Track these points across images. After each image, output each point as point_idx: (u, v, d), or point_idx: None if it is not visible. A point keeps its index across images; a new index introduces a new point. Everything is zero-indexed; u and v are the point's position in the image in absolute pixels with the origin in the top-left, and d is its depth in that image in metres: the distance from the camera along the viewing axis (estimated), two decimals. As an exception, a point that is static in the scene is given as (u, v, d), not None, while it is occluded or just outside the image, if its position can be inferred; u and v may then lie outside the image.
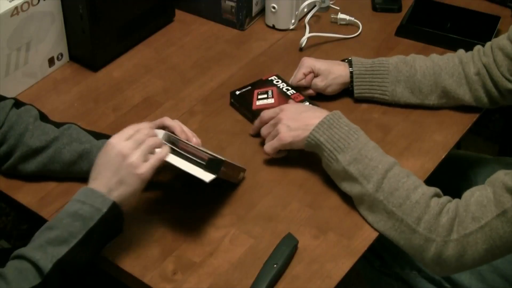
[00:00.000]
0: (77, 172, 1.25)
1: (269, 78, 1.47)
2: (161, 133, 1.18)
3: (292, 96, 1.42)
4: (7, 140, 1.23)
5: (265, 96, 1.42)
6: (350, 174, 1.19)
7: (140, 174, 1.09)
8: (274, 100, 1.41)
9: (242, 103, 1.42)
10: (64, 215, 1.05)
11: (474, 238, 1.09)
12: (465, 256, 1.11)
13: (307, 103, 1.40)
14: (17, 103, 1.27)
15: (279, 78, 1.47)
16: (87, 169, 1.22)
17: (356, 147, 1.20)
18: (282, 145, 1.28)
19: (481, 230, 1.09)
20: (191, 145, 1.17)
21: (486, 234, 1.09)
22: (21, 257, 1.02)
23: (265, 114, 1.33)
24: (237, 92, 1.43)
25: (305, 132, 1.24)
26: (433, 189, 1.17)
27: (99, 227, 1.06)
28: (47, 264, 1.00)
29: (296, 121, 1.26)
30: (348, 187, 1.21)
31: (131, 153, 1.09)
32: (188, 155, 1.16)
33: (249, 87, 1.44)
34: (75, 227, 1.04)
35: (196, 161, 1.15)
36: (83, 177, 1.25)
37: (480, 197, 1.10)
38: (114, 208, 1.07)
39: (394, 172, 1.18)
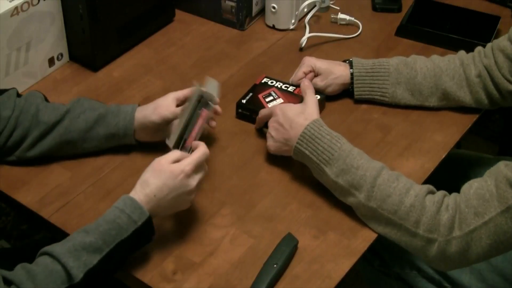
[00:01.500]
0: (92, 138, 1.28)
1: (262, 81, 1.46)
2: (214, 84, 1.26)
3: (296, 91, 1.42)
4: (20, 123, 1.26)
5: (271, 98, 1.41)
6: (340, 186, 1.19)
7: (191, 201, 1.15)
8: (284, 100, 1.40)
9: (253, 110, 1.40)
10: (102, 222, 1.07)
11: (478, 234, 1.09)
12: (469, 252, 1.11)
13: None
14: (18, 93, 1.30)
15: (270, 78, 1.47)
16: (103, 133, 1.28)
17: (340, 157, 1.19)
18: (272, 152, 1.30)
19: (485, 226, 1.08)
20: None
21: (490, 230, 1.08)
22: (54, 257, 1.02)
23: (261, 113, 1.35)
24: (243, 101, 1.41)
25: (285, 146, 1.27)
26: (425, 187, 1.16)
27: (131, 239, 1.07)
28: (78, 274, 1.01)
29: (278, 133, 1.28)
30: (341, 197, 1.22)
31: (195, 188, 1.14)
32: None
33: (250, 94, 1.43)
34: (109, 236, 1.05)
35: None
36: (90, 152, 1.31)
37: (480, 190, 1.10)
38: (149, 222, 1.09)
39: (383, 178, 1.17)
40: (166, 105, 1.28)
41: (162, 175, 1.11)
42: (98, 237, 1.04)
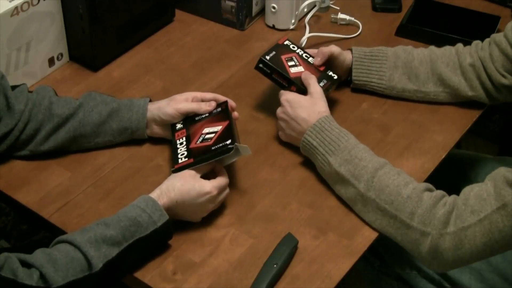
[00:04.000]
0: (105, 132, 1.30)
1: (285, 43, 1.46)
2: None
3: (314, 65, 1.42)
4: (34, 116, 1.27)
5: (293, 63, 1.40)
6: (342, 176, 1.20)
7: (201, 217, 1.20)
8: (304, 69, 1.40)
9: (274, 70, 1.37)
10: (123, 217, 1.09)
11: (472, 232, 1.09)
12: (462, 250, 1.11)
13: (330, 73, 1.42)
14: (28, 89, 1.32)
15: (291, 42, 1.47)
16: (116, 126, 1.30)
17: (346, 149, 1.22)
18: (284, 140, 1.35)
19: (480, 223, 1.09)
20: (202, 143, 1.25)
21: (485, 227, 1.09)
22: (75, 245, 1.04)
23: (279, 96, 1.35)
24: (267, 57, 1.39)
25: (295, 139, 1.30)
26: (424, 184, 1.18)
27: (149, 238, 1.10)
28: (98, 264, 1.04)
29: (289, 125, 1.31)
30: (342, 189, 1.22)
31: (210, 210, 1.20)
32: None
33: (274, 52, 1.41)
34: (129, 232, 1.08)
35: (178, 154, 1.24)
36: (96, 148, 1.33)
37: (480, 191, 1.11)
38: (168, 224, 1.12)
39: (384, 170, 1.19)
40: (182, 99, 1.31)
41: (189, 187, 1.15)
42: (118, 232, 1.07)
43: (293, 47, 1.45)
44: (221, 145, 1.21)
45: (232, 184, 1.25)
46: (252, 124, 1.41)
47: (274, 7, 1.66)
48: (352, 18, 1.70)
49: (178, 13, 1.73)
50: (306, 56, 1.44)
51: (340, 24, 1.71)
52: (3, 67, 1.40)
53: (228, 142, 1.21)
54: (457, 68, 1.40)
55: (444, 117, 1.43)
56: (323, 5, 1.71)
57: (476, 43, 1.43)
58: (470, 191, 1.12)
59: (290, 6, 1.66)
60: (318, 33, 1.65)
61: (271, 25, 1.70)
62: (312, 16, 1.69)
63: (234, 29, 1.70)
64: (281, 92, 1.36)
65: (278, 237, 1.17)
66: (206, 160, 1.20)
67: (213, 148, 1.22)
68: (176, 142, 1.27)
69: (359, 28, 1.69)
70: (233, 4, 1.66)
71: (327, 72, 1.42)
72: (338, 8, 1.72)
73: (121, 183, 1.28)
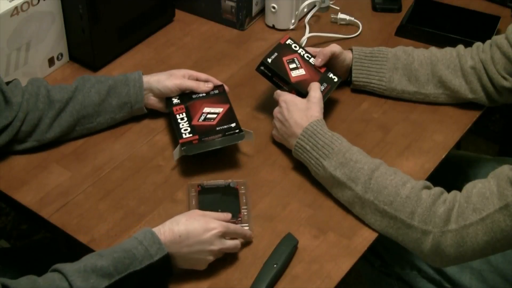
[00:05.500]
0: (106, 110, 1.34)
1: (287, 42, 1.45)
2: None
3: (315, 66, 1.42)
4: (34, 106, 1.28)
5: (295, 66, 1.40)
6: (338, 179, 1.20)
7: (208, 263, 1.12)
8: (305, 72, 1.40)
9: (275, 73, 1.38)
10: (118, 249, 1.04)
11: (474, 230, 1.10)
12: (464, 247, 1.11)
13: (331, 75, 1.42)
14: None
15: (293, 41, 1.46)
16: (116, 103, 1.33)
17: (340, 152, 1.21)
18: (277, 140, 1.35)
19: (482, 222, 1.09)
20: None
21: (487, 226, 1.09)
22: (62, 274, 1.00)
23: (275, 95, 1.37)
24: (269, 60, 1.38)
25: (287, 140, 1.30)
26: (422, 182, 1.18)
27: (144, 272, 1.04)
28: None
29: (283, 126, 1.31)
30: (338, 192, 1.22)
31: (217, 252, 1.11)
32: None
33: (276, 54, 1.40)
34: (122, 264, 1.03)
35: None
36: (102, 128, 1.36)
37: (482, 189, 1.11)
38: (166, 260, 1.06)
39: (380, 171, 1.18)
40: (180, 75, 1.37)
41: (195, 222, 1.09)
42: (110, 263, 1.02)
43: (295, 46, 1.45)
44: (226, 127, 1.29)
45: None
46: (252, 124, 1.41)
47: (274, 7, 1.66)
48: (352, 18, 1.70)
49: (178, 13, 1.73)
50: (307, 56, 1.44)
51: (340, 24, 1.71)
52: (3, 67, 1.40)
53: (233, 125, 1.29)
54: (458, 71, 1.40)
55: (444, 117, 1.43)
56: (323, 5, 1.71)
57: (477, 45, 1.42)
58: (473, 188, 1.12)
59: (290, 6, 1.66)
60: (318, 33, 1.65)
61: (271, 25, 1.70)
62: (312, 16, 1.69)
63: (234, 29, 1.70)
64: (278, 92, 1.36)
65: (278, 237, 1.17)
66: (216, 145, 1.27)
67: (217, 128, 1.29)
68: (176, 116, 1.32)
69: (359, 28, 1.69)
70: (233, 4, 1.66)
71: (328, 74, 1.42)
72: (338, 8, 1.72)
73: (121, 183, 1.28)
